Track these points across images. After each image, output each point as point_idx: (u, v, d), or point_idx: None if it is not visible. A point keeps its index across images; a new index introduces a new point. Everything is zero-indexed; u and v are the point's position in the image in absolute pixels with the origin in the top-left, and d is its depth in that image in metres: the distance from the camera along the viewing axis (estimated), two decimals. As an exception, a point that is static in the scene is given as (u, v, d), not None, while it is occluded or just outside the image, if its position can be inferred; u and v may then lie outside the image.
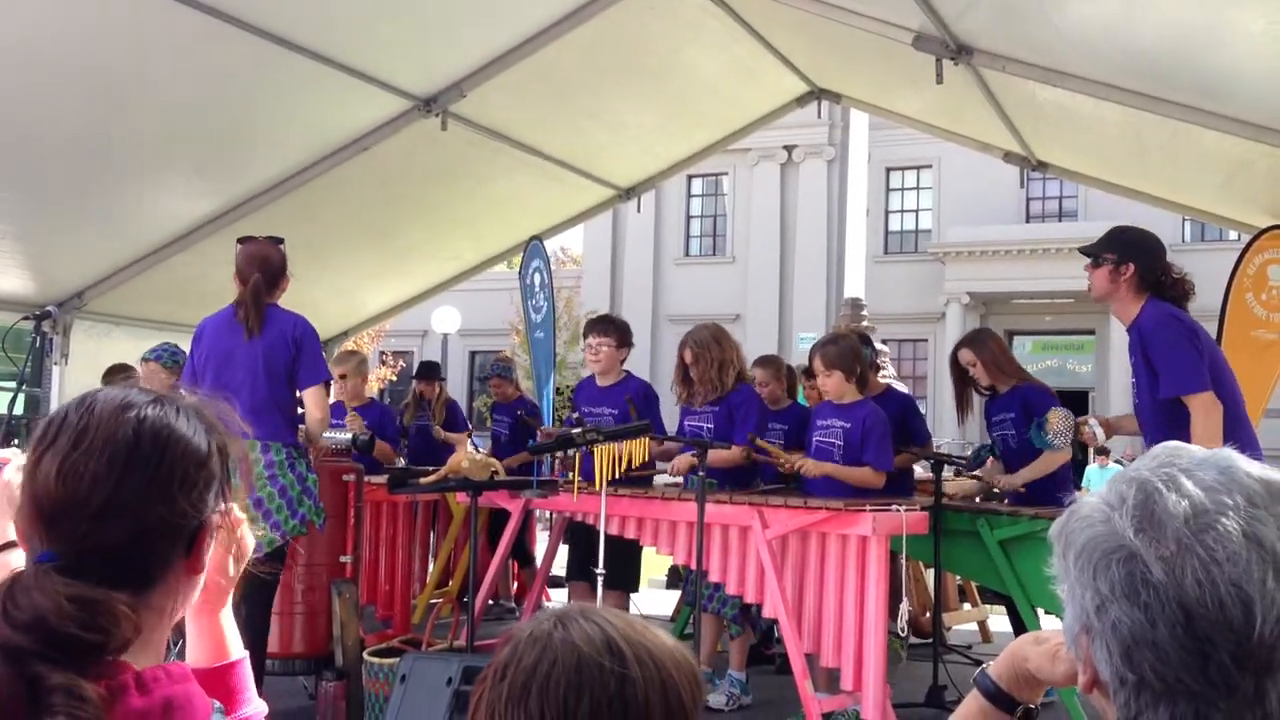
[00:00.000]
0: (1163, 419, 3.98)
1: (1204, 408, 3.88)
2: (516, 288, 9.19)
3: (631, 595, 5.73)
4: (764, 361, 6.32)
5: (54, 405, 7.17)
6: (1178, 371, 3.93)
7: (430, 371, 8.46)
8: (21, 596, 1.06)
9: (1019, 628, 5.49)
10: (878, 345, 7.06)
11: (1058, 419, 4.92)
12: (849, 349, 5.10)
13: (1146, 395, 4.06)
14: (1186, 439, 3.88)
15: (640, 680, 1.03)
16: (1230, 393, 4.02)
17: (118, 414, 1.17)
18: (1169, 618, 0.90)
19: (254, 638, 4.35)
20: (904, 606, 4.71)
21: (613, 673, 1.02)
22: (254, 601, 4.36)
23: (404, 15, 5.62)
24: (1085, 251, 4.30)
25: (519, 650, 1.05)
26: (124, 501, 1.13)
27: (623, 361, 5.74)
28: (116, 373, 6.84)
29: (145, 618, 1.13)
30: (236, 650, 1.37)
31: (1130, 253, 4.14)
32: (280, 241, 4.70)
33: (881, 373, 6.71)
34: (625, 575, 5.59)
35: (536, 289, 8.46)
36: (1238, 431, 3.91)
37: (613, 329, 5.74)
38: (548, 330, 8.50)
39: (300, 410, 4.64)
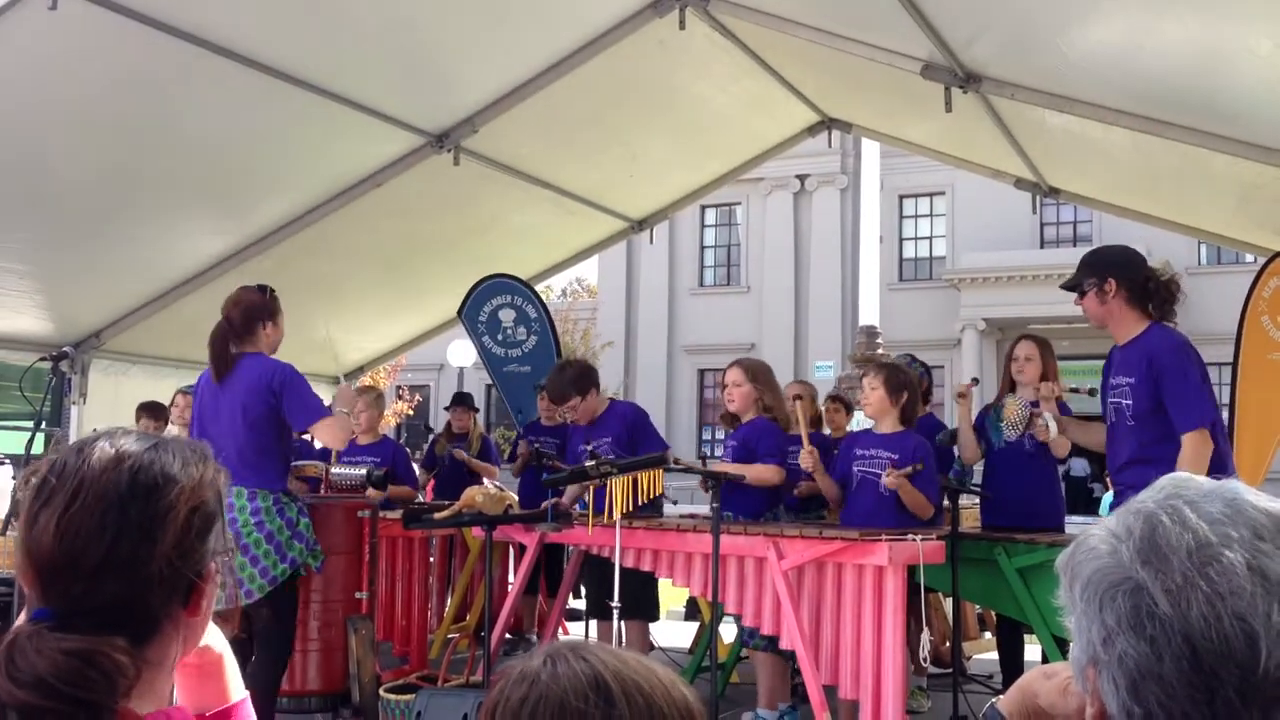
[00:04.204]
0: (1152, 443, 3.97)
1: (1202, 441, 3.87)
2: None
3: (650, 625, 5.70)
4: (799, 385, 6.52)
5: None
6: (1195, 403, 3.92)
7: (463, 401, 8.31)
8: (20, 658, 1.06)
9: (1008, 655, 5.46)
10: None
11: (1013, 408, 4.87)
12: (904, 379, 5.09)
13: (1133, 421, 4.04)
14: (1163, 468, 3.87)
15: (628, 717, 1.02)
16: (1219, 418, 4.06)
17: (112, 466, 1.16)
18: (1175, 651, 0.89)
19: (266, 686, 4.33)
20: (925, 637, 4.66)
21: (597, 709, 1.02)
22: (265, 650, 4.35)
23: (415, 52, 5.68)
24: (1066, 286, 4.28)
25: (507, 688, 1.05)
26: (121, 558, 1.12)
27: (601, 395, 5.78)
28: (147, 411, 6.89)
29: (143, 667, 1.12)
30: (237, 691, 1.36)
31: (1107, 270, 4.13)
32: (265, 289, 4.67)
33: None
34: (644, 604, 5.57)
35: (507, 324, 8.59)
36: (1225, 462, 3.96)
37: (571, 388, 5.66)
38: (540, 362, 8.51)
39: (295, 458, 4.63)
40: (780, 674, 5.22)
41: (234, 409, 4.44)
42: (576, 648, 1.07)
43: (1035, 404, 4.95)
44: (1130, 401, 4.08)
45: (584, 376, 5.73)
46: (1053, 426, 4.58)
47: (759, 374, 5.47)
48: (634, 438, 5.54)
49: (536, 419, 7.76)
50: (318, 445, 6.27)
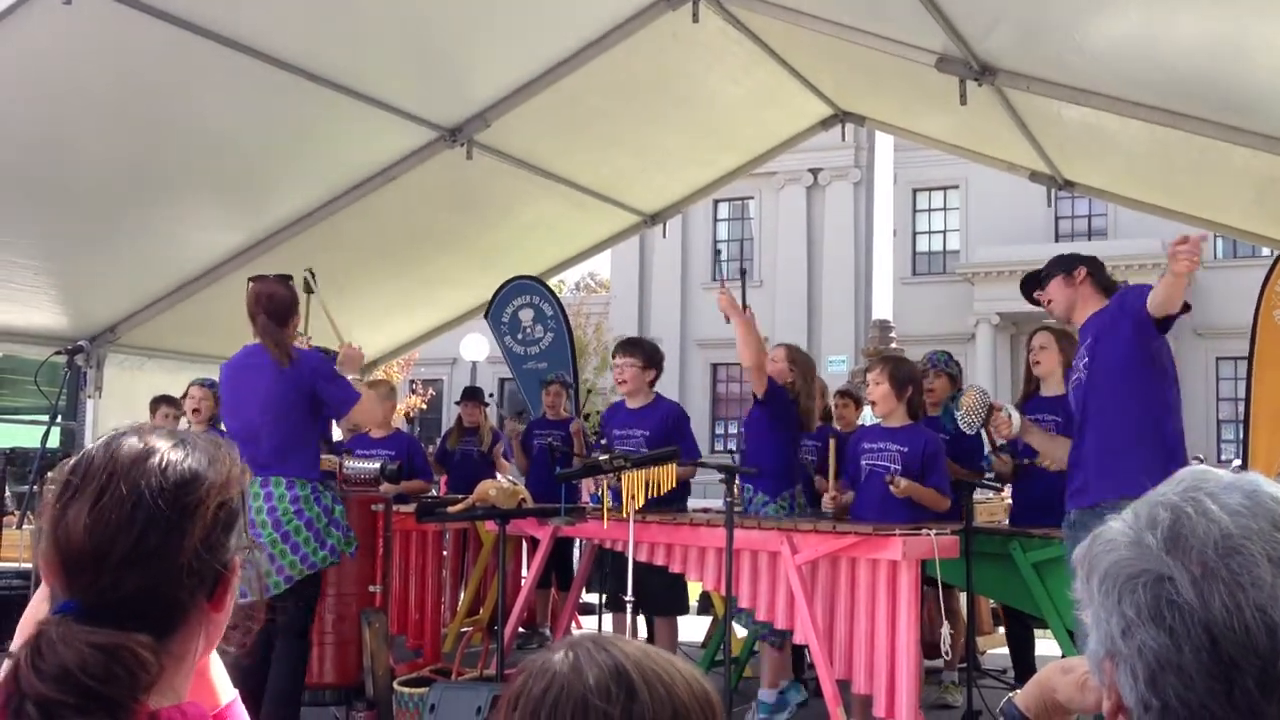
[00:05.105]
0: (1120, 391, 3.94)
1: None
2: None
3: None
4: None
5: (89, 438, 7.24)
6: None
7: (475, 395, 8.32)
8: (47, 650, 1.06)
9: (1018, 650, 5.45)
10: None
11: (971, 398, 4.75)
12: (908, 372, 5.09)
13: (1100, 374, 4.01)
14: (1135, 416, 3.84)
15: (650, 709, 1.02)
16: (1176, 397, 4.03)
17: (141, 461, 1.16)
18: (1195, 642, 0.89)
19: (291, 672, 4.35)
20: (945, 630, 4.64)
21: (619, 701, 1.01)
22: (289, 636, 4.37)
23: (427, 47, 5.69)
24: (1029, 278, 4.33)
25: (529, 681, 1.05)
26: (148, 551, 1.12)
27: (652, 383, 5.74)
28: (161, 404, 6.93)
29: (166, 662, 1.12)
30: (226, 693, 1.35)
31: (1074, 261, 4.20)
32: (288, 279, 4.71)
33: None
34: (673, 600, 5.59)
35: (526, 324, 8.91)
36: (1179, 450, 3.93)
37: (639, 350, 5.74)
38: (556, 359, 8.66)
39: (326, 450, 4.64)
40: (781, 660, 5.32)
41: (265, 399, 4.47)
42: (598, 640, 1.07)
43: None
44: (1087, 359, 4.07)
45: (655, 352, 5.83)
46: (1015, 419, 4.48)
47: (798, 358, 5.61)
48: (671, 438, 5.50)
49: (542, 414, 7.80)
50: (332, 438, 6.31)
